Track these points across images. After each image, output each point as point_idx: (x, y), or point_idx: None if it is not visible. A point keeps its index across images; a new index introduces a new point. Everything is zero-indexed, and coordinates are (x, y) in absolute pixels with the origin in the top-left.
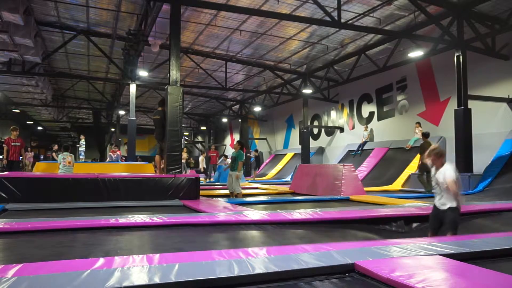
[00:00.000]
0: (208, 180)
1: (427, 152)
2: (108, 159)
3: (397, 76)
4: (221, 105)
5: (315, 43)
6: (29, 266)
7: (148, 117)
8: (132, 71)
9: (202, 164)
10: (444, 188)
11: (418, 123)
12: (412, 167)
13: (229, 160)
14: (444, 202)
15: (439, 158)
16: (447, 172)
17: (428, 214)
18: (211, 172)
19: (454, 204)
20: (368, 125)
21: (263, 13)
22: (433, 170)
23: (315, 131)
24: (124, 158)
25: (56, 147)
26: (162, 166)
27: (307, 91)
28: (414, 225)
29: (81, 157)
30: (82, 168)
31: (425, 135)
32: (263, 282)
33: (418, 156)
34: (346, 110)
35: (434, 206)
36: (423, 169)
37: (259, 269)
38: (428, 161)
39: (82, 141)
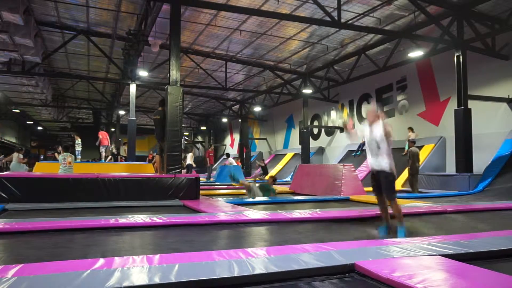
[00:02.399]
0: (207, 179)
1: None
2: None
3: (397, 76)
4: (221, 105)
5: (315, 43)
6: (29, 266)
7: (148, 117)
8: (132, 71)
9: (191, 160)
10: (379, 144)
11: (410, 128)
12: None
13: (231, 159)
14: (379, 163)
15: (376, 115)
16: (384, 125)
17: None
18: (211, 172)
19: (388, 167)
20: None
21: (263, 13)
22: (367, 129)
23: (315, 131)
24: (124, 158)
25: (60, 148)
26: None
27: (307, 91)
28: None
29: (78, 157)
30: (82, 168)
31: (413, 142)
32: (263, 282)
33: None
34: (346, 110)
35: (372, 169)
36: (413, 172)
37: (259, 269)
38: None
39: (78, 141)
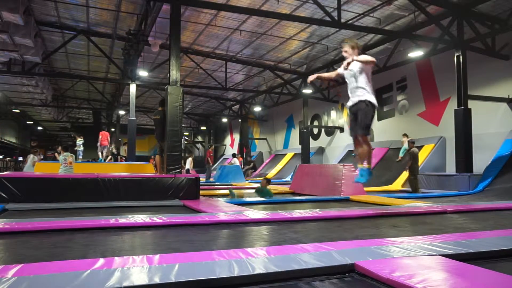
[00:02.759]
0: (206, 179)
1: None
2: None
3: (397, 76)
4: (221, 105)
5: (315, 43)
6: (29, 266)
7: (148, 117)
8: (132, 71)
9: (190, 165)
10: (357, 77)
11: (405, 135)
12: None
13: (234, 160)
14: (358, 94)
15: (354, 49)
16: (365, 56)
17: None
18: (210, 172)
19: (368, 96)
20: None
21: (263, 13)
22: (343, 67)
23: (315, 131)
24: (124, 158)
25: (60, 148)
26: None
27: (307, 91)
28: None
29: (80, 157)
30: (82, 168)
31: (413, 142)
32: (263, 282)
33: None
34: (346, 110)
35: (350, 108)
36: (415, 172)
37: (259, 269)
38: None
39: (79, 141)
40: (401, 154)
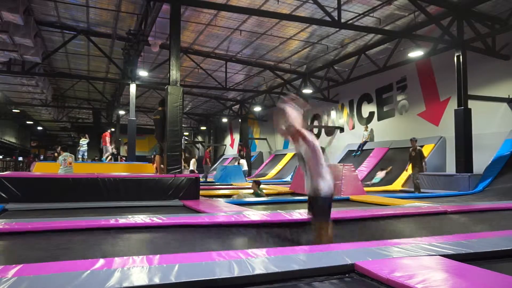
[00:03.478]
0: (205, 179)
1: (282, 125)
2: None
3: (397, 76)
4: (221, 105)
5: (315, 43)
6: (29, 267)
7: (148, 117)
8: (132, 71)
9: (193, 167)
10: (305, 161)
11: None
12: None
13: (243, 161)
14: (310, 185)
15: (288, 119)
16: (304, 136)
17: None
18: (208, 172)
19: (321, 189)
20: (368, 125)
21: (263, 13)
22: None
23: (315, 131)
24: (124, 158)
25: (59, 148)
26: (155, 165)
27: (307, 91)
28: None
29: (84, 157)
30: (82, 168)
31: (415, 140)
32: (263, 282)
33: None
34: (346, 110)
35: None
36: (421, 170)
37: (259, 269)
38: (283, 130)
39: (83, 141)
40: (375, 181)
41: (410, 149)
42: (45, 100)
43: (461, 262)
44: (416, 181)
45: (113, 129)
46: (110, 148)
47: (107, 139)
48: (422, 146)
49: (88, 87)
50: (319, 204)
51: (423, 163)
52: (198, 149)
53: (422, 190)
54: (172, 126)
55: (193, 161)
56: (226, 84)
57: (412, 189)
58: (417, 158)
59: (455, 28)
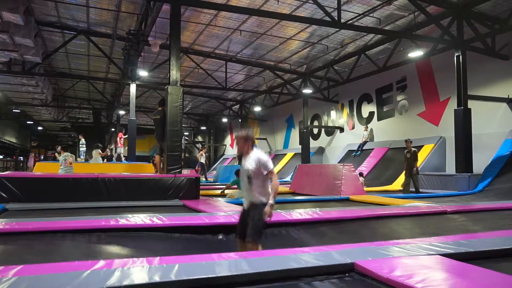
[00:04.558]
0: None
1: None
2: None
3: (397, 76)
4: (221, 105)
5: (315, 43)
6: (29, 267)
7: (148, 117)
8: (132, 71)
9: (201, 159)
10: (255, 178)
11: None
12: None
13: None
14: (253, 197)
15: (246, 142)
16: (261, 158)
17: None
18: (206, 172)
19: (264, 200)
20: (368, 125)
21: (263, 13)
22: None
23: (315, 131)
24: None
25: (60, 148)
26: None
27: (307, 91)
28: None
29: (81, 157)
30: (82, 168)
31: (410, 142)
32: (263, 282)
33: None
34: (346, 110)
35: (243, 209)
36: (417, 172)
37: (259, 269)
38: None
39: (82, 141)
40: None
41: (405, 150)
42: (45, 100)
43: (461, 261)
44: (416, 182)
45: (113, 129)
46: (121, 149)
47: (120, 140)
48: (422, 146)
49: (88, 87)
50: (259, 214)
51: (415, 167)
52: (198, 149)
53: (421, 190)
54: (172, 126)
55: (200, 153)
56: (226, 84)
57: (413, 189)
58: (412, 160)
59: (455, 28)
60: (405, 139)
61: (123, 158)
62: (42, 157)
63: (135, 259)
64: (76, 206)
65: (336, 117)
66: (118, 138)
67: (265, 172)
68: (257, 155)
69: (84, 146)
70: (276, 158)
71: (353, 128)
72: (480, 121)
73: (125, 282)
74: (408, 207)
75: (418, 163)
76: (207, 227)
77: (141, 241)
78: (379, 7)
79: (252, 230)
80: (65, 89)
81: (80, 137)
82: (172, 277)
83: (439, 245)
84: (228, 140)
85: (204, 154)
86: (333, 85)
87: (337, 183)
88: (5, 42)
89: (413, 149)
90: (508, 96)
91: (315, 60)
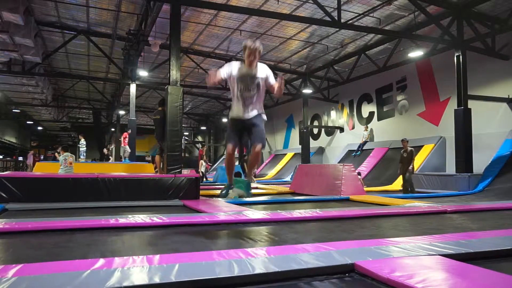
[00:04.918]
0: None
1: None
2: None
3: (397, 76)
4: (221, 105)
5: (315, 43)
6: (29, 266)
7: (148, 117)
8: (132, 71)
9: (201, 168)
10: (260, 88)
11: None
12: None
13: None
14: (257, 107)
15: (259, 55)
16: (269, 69)
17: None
18: (205, 172)
19: (263, 112)
20: (368, 125)
21: (263, 13)
22: (240, 68)
23: (315, 131)
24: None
25: (60, 148)
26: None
27: (307, 91)
28: None
29: (82, 157)
30: (83, 168)
31: (407, 141)
32: (263, 282)
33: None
34: (346, 110)
35: (240, 116)
36: (413, 171)
37: (259, 269)
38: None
39: (82, 141)
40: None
41: (402, 150)
42: (45, 100)
43: (461, 261)
44: (410, 182)
45: (113, 129)
46: (127, 148)
47: (125, 139)
48: (422, 146)
49: (88, 87)
50: (263, 121)
51: (411, 166)
52: (198, 149)
53: (420, 190)
54: (172, 126)
55: (201, 162)
56: (226, 84)
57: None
58: (408, 159)
59: (455, 28)
60: (410, 138)
61: (127, 157)
62: (42, 157)
63: (135, 258)
64: (76, 206)
65: (336, 117)
66: (123, 138)
67: (272, 82)
68: (265, 66)
69: (84, 146)
70: (276, 158)
71: (353, 128)
72: (480, 121)
73: (125, 283)
74: (408, 207)
75: (418, 163)
76: (207, 226)
77: (141, 240)
78: (379, 7)
79: (261, 136)
80: (65, 89)
81: (80, 137)
82: (172, 278)
83: (439, 245)
84: None
85: (204, 163)
86: (333, 85)
87: (337, 183)
88: (5, 42)
89: (409, 148)
90: (508, 96)
91: (315, 60)
